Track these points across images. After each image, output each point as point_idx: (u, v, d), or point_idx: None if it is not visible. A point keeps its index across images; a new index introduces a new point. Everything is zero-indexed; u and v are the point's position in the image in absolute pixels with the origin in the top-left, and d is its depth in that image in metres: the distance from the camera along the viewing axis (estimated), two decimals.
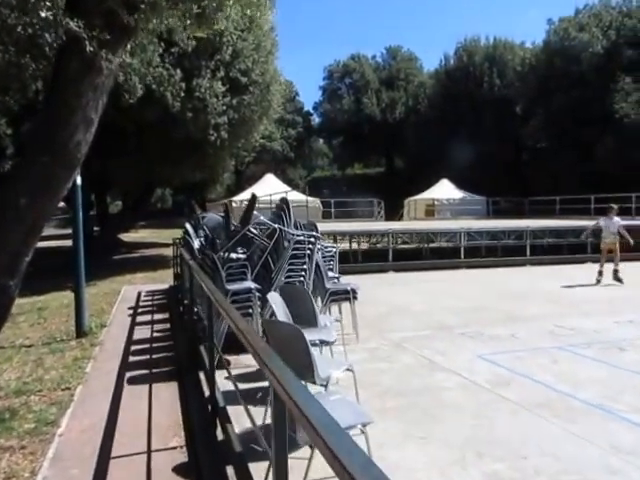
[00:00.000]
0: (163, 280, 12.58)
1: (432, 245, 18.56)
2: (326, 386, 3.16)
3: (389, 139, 47.65)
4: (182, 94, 12.79)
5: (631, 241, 11.03)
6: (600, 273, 11.09)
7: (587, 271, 14.11)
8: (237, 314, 2.69)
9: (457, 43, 41.48)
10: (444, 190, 29.74)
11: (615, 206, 11.36)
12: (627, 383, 4.61)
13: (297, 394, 1.53)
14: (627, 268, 14.44)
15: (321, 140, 60.67)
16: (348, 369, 3.39)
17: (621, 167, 24.24)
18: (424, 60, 56.25)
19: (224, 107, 14.38)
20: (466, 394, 4.35)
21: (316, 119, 58.30)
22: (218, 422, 3.60)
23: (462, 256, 15.31)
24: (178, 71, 12.73)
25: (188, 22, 4.17)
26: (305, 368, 3.10)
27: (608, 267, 11.13)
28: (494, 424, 3.70)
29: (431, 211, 29.08)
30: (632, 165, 23.56)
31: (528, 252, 15.95)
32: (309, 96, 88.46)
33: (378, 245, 19.66)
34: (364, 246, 19.39)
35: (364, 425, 2.53)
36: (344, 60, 54.44)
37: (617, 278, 10.90)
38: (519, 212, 27.37)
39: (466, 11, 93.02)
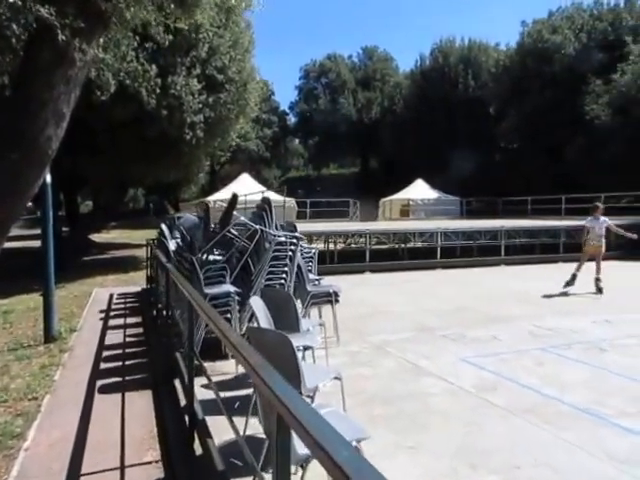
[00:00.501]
0: (135, 282, 12.25)
1: (408, 245, 18.55)
2: (312, 397, 3.00)
3: (365, 139, 47.80)
4: (157, 91, 12.45)
5: (633, 236, 10.08)
6: (574, 277, 10.03)
7: (559, 270, 14.33)
8: (224, 321, 2.51)
9: (432, 44, 41.92)
10: (419, 190, 29.88)
11: (601, 205, 10.35)
12: (611, 385, 4.58)
13: (295, 405, 1.37)
14: (590, 267, 14.75)
15: (297, 140, 60.48)
16: (336, 377, 3.23)
17: (591, 168, 24.73)
18: (400, 61, 56.75)
19: (200, 105, 14.08)
20: (453, 400, 4.24)
21: (292, 119, 58.19)
22: (196, 435, 3.41)
23: (438, 256, 15.33)
24: (153, 67, 12.39)
25: (167, 11, 3.94)
26: (291, 378, 2.94)
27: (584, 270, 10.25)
28: (484, 432, 3.60)
29: (406, 211, 29.18)
30: (602, 166, 24.06)
31: (502, 252, 16.07)
32: (285, 96, 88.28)
33: (353, 245, 19.57)
34: (340, 246, 19.28)
35: (359, 441, 2.38)
36: (320, 60, 54.47)
37: (598, 288, 9.83)
38: (492, 212, 27.69)
39: (441, 13, 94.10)
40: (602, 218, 10.03)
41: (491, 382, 4.67)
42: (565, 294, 9.88)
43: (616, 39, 28.88)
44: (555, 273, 13.70)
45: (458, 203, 29.31)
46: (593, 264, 10.04)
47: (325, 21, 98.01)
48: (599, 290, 9.75)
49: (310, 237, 16.85)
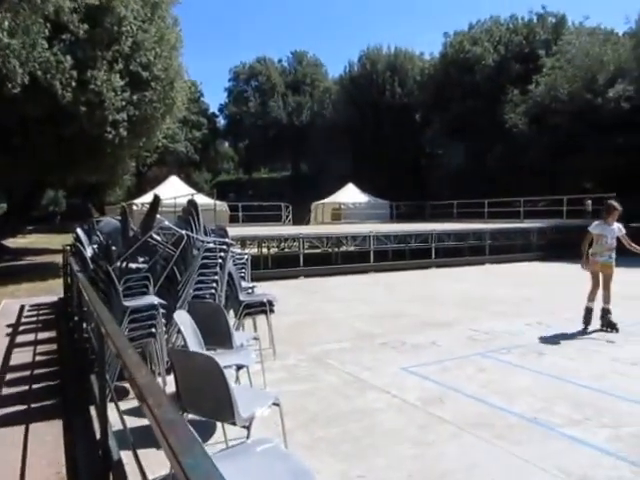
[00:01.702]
0: (53, 291, 11.21)
1: (342, 249, 18.45)
2: (249, 427, 2.61)
3: (295, 143, 47.63)
4: (73, 84, 11.53)
5: None
6: (589, 312, 7.02)
7: (487, 272, 14.76)
8: (123, 341, 2.06)
9: (360, 51, 42.44)
10: (350, 194, 30.05)
11: (617, 205, 7.06)
12: (554, 391, 4.51)
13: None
14: (521, 268, 15.33)
15: (227, 143, 59.37)
16: (274, 403, 2.86)
17: (512, 173, 25.84)
18: (329, 66, 57.13)
19: (123, 103, 13.25)
20: (400, 416, 3.97)
21: (221, 121, 57.02)
22: (112, 476, 2.91)
23: (371, 260, 15.31)
24: (68, 58, 11.46)
25: None
26: (223, 407, 2.54)
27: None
28: (437, 452, 3.34)
29: (337, 215, 29.22)
30: (521, 171, 25.21)
31: (433, 254, 16.32)
32: (214, 98, 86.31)
33: (287, 250, 19.24)
34: (273, 251, 18.88)
35: None
36: (250, 62, 53.76)
37: (609, 323, 6.92)
38: (421, 216, 28.33)
39: (369, 21, 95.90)
40: (616, 225, 7.01)
41: (436, 393, 4.46)
42: (497, 290, 10.01)
43: (531, 52, 30.49)
44: (483, 275, 14.10)
45: (388, 207, 29.75)
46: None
47: (254, 24, 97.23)
48: (610, 325, 6.88)
49: (243, 242, 16.38)
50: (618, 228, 6.98)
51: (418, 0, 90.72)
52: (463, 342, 6.36)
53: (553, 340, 6.33)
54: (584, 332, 6.83)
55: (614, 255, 7.03)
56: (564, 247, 18.27)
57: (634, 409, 4.02)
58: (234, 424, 2.60)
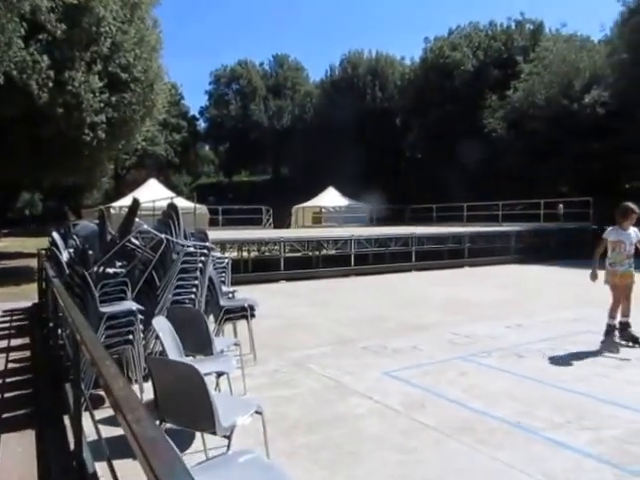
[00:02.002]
0: (27, 296, 10.92)
1: (322, 253, 18.41)
2: (230, 436, 2.55)
3: (276, 146, 47.58)
4: (50, 84, 11.29)
5: None
6: (612, 329, 6.25)
7: (466, 275, 14.88)
8: (100, 350, 1.98)
9: (342, 55, 42.64)
10: (330, 198, 30.07)
11: (634, 207, 6.36)
12: (535, 394, 4.52)
13: None
14: (500, 270, 15.48)
15: (207, 146, 58.97)
16: (257, 412, 2.80)
17: (491, 177, 26.16)
18: (310, 70, 57.18)
19: (101, 104, 13.03)
20: (383, 422, 3.94)
21: (202, 124, 56.61)
22: None
23: (352, 263, 15.29)
24: (45, 58, 11.23)
25: None
26: (203, 416, 2.47)
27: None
28: (421, 459, 3.31)
29: (318, 218, 29.21)
30: (500, 176, 25.53)
31: (413, 258, 16.37)
32: (194, 100, 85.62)
33: (267, 254, 19.14)
34: (254, 254, 18.75)
35: None
36: (231, 65, 53.57)
37: (631, 337, 6.23)
38: (400, 219, 28.47)
39: (351, 25, 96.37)
40: (632, 229, 6.35)
41: (418, 398, 4.44)
42: (476, 292, 10.07)
43: (509, 58, 30.98)
44: (462, 278, 14.20)
45: (368, 210, 29.80)
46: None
47: (235, 27, 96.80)
48: (632, 339, 6.20)
49: (223, 245, 16.23)
50: (635, 233, 6.29)
51: (399, 4, 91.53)
52: (444, 346, 6.37)
53: (532, 342, 6.36)
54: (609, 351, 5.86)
55: (633, 263, 6.31)
56: (542, 250, 18.61)
57: (615, 412, 4.05)
58: (214, 434, 2.54)
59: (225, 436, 2.53)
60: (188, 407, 2.55)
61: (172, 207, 5.22)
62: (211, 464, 2.14)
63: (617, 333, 6.23)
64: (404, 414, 4.08)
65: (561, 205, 20.98)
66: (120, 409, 1.28)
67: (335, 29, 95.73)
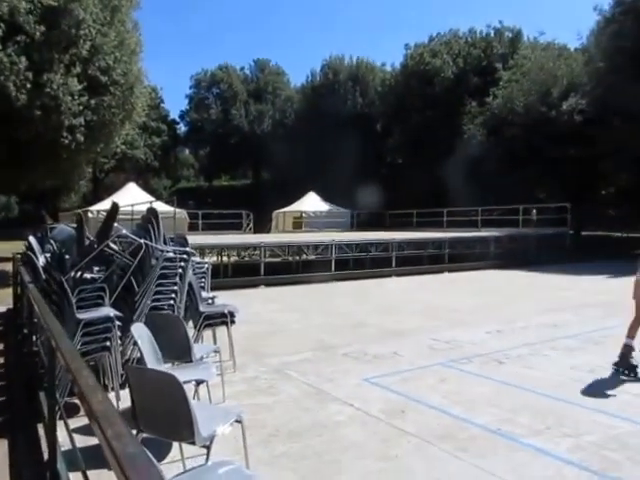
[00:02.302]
0: (1, 301, 10.67)
1: (302, 258, 18.38)
2: (209, 446, 2.50)
3: (257, 151, 47.38)
4: (28, 86, 11.11)
5: None
6: (630, 350, 5.36)
7: (446, 280, 15.01)
8: (78, 360, 1.92)
9: (323, 60, 42.72)
10: (311, 203, 30.05)
11: None
12: (515, 401, 4.55)
13: None
14: (480, 276, 15.64)
15: (187, 150, 58.51)
16: (237, 420, 2.76)
17: (469, 183, 26.45)
18: (291, 75, 57.16)
19: (80, 107, 12.85)
20: (363, 429, 3.91)
21: (182, 128, 56.15)
22: None
23: (332, 269, 15.29)
24: (23, 59, 11.04)
25: None
26: (182, 426, 2.42)
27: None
28: (402, 468, 3.29)
29: (299, 223, 29.16)
30: (478, 181, 25.82)
31: (394, 263, 16.43)
32: (175, 104, 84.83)
33: (246, 259, 19.03)
34: (233, 259, 18.64)
35: None
36: (212, 69, 53.29)
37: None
38: (381, 225, 28.59)
39: (332, 30, 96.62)
40: None
41: (398, 405, 4.43)
42: (456, 298, 10.15)
43: (488, 65, 31.41)
44: (443, 282, 14.31)
45: (349, 215, 29.87)
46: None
47: (216, 31, 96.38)
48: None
49: (203, 250, 16.09)
50: None
51: (379, 10, 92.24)
52: (424, 352, 6.38)
53: (512, 348, 6.42)
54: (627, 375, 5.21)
55: None
56: (520, 255, 18.86)
57: (593, 417, 4.10)
58: (193, 444, 2.49)
59: (204, 446, 2.49)
60: (167, 417, 2.50)
61: (152, 212, 5.15)
62: (190, 475, 2.10)
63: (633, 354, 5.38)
64: (385, 421, 4.07)
65: (534, 211, 21.36)
66: (99, 423, 1.23)
67: (316, 34, 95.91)
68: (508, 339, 6.97)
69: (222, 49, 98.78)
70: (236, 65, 54.81)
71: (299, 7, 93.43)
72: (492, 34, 33.87)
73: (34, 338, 5.51)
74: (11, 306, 9.46)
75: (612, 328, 7.21)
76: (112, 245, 4.75)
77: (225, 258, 17.60)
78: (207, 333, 5.93)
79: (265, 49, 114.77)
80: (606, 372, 5.31)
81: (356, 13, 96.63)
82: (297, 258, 18.12)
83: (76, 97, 12.68)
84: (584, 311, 9.04)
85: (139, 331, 3.39)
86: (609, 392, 4.73)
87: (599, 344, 6.54)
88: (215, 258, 17.36)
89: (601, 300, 10.20)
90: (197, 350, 4.15)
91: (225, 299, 6.53)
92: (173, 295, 5.07)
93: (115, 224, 5.13)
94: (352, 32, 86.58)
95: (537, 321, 8.15)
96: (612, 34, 20.39)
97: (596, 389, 4.83)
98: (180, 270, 5.08)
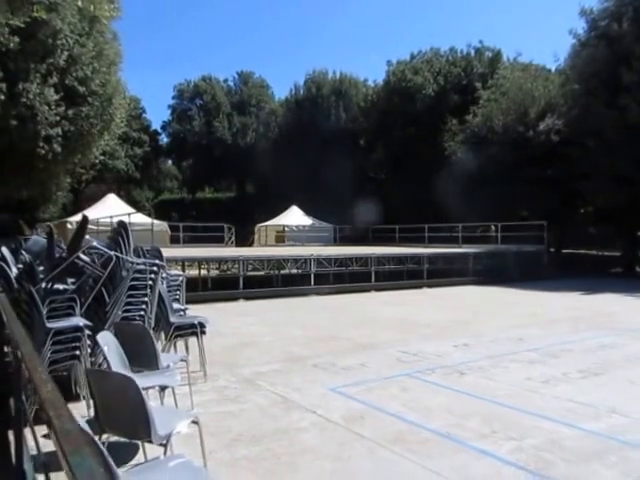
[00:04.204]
0: None
1: (283, 272, 18.53)
2: (166, 445, 2.67)
3: (240, 164, 47.49)
4: (2, 97, 11.17)
5: None
6: None
7: (424, 295, 15.26)
8: (34, 359, 2.07)
9: (306, 74, 43.17)
10: (294, 217, 30.26)
11: None
12: (469, 408, 4.76)
13: None
14: (457, 291, 15.94)
15: (170, 161, 58.35)
16: (193, 421, 2.92)
17: (452, 200, 26.90)
18: (275, 88, 57.44)
19: (57, 117, 12.92)
20: (322, 434, 4.10)
21: (164, 139, 55.98)
22: None
23: (312, 283, 15.45)
24: None
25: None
26: (140, 426, 2.59)
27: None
28: (352, 468, 3.49)
29: (281, 237, 29.32)
30: (461, 198, 26.27)
31: (373, 278, 16.65)
32: (156, 114, 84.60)
33: (228, 272, 19.13)
34: (214, 273, 18.73)
35: None
36: (195, 80, 53.37)
37: None
38: (364, 240, 28.85)
39: (315, 44, 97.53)
40: None
41: (359, 412, 4.62)
42: (432, 313, 10.39)
43: (468, 84, 32.09)
44: (420, 298, 14.56)
45: (332, 230, 30.10)
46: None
47: (199, 42, 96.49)
48: None
49: (183, 263, 16.18)
50: None
51: (362, 26, 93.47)
52: (391, 363, 6.58)
53: (475, 360, 6.65)
54: None
55: None
56: (499, 271, 19.21)
57: (539, 423, 4.32)
58: (151, 442, 2.65)
59: (162, 444, 2.65)
60: (126, 416, 2.66)
61: (121, 225, 5.31)
62: (143, 467, 2.26)
63: None
64: (343, 427, 4.25)
65: (493, 227, 21.93)
66: (46, 408, 1.42)
67: (300, 48, 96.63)
68: (473, 352, 7.20)
69: (205, 60, 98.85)
70: (220, 77, 55.03)
71: (282, 20, 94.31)
72: (472, 53, 34.61)
73: (5, 349, 5.59)
74: None
75: (573, 342, 7.52)
76: (83, 257, 4.89)
77: (205, 271, 17.69)
78: (180, 345, 6.09)
79: (248, 61, 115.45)
80: (559, 382, 5.57)
81: (339, 28, 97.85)
82: (277, 272, 18.26)
83: (53, 107, 12.75)
84: (551, 326, 9.35)
85: (106, 339, 3.54)
86: (557, 401, 4.96)
87: (558, 357, 6.81)
88: (196, 271, 17.46)
89: (570, 316, 10.54)
90: (164, 359, 4.30)
91: (203, 312, 6.64)
92: (143, 306, 5.21)
93: (86, 236, 5.27)
94: (335, 47, 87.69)
95: (504, 335, 8.41)
96: (587, 58, 21.05)
97: (545, 398, 5.06)
98: (150, 282, 5.23)
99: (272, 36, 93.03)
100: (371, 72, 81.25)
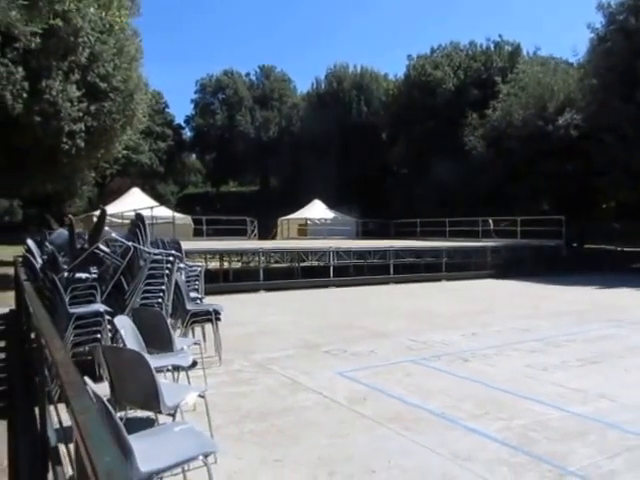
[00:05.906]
0: (4, 302, 11.17)
1: (304, 264, 18.84)
2: (174, 415, 2.96)
3: (263, 158, 47.90)
4: (25, 95, 11.59)
5: None
6: None
7: (441, 288, 15.37)
8: (57, 342, 2.37)
9: (327, 69, 43.24)
10: (316, 210, 30.43)
11: None
12: (467, 392, 4.98)
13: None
14: (474, 284, 15.99)
15: (194, 155, 59.08)
16: (200, 395, 3.21)
17: (470, 194, 26.81)
18: (297, 81, 57.57)
19: (80, 113, 13.31)
20: (326, 413, 4.37)
21: (188, 133, 56.67)
22: (50, 465, 3.20)
23: (331, 275, 15.68)
24: (20, 69, 11.51)
25: (13, 13, 3.72)
26: (150, 397, 2.88)
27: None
28: (348, 441, 3.76)
29: (304, 230, 29.53)
30: (480, 192, 26.18)
31: (392, 270, 16.80)
32: (180, 108, 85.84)
33: (251, 264, 19.52)
34: (236, 265, 19.14)
35: (206, 455, 2.39)
36: (217, 75, 53.81)
37: None
38: (385, 233, 28.94)
39: (336, 38, 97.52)
40: None
41: (362, 394, 4.87)
42: (444, 304, 10.58)
43: (488, 78, 31.78)
44: (437, 290, 14.69)
45: (354, 224, 30.20)
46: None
47: (222, 36, 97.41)
48: None
49: (205, 255, 16.59)
50: None
51: (383, 21, 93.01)
52: (400, 350, 6.80)
53: (480, 349, 6.83)
54: None
55: None
56: (517, 265, 19.16)
57: (530, 406, 4.52)
58: (160, 412, 2.95)
59: (170, 414, 2.94)
60: (138, 388, 2.96)
61: (139, 217, 5.64)
62: (150, 432, 2.55)
63: None
64: (346, 407, 4.52)
65: (491, 221, 21.83)
66: (57, 367, 1.71)
67: (321, 42, 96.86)
68: (479, 341, 7.37)
69: (227, 54, 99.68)
70: (242, 71, 55.34)
71: (304, 15, 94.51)
72: (492, 47, 34.27)
73: (32, 335, 5.99)
74: (13, 307, 9.98)
75: (578, 333, 7.63)
76: (102, 247, 5.23)
77: (226, 263, 18.10)
78: (198, 332, 6.42)
79: (270, 55, 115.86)
80: (556, 370, 5.73)
81: (360, 23, 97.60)
82: (297, 264, 18.57)
83: (75, 103, 13.09)
84: (559, 318, 9.45)
85: (122, 322, 3.86)
86: (552, 387, 5.13)
87: (560, 347, 6.94)
88: (217, 263, 17.89)
89: (578, 309, 10.59)
90: (179, 342, 4.61)
91: (223, 303, 6.89)
92: (160, 294, 5.54)
93: (106, 228, 5.62)
94: (356, 41, 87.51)
95: (511, 326, 8.55)
96: (604, 52, 20.72)
97: (541, 384, 5.23)
98: (167, 271, 5.56)
99: (294, 30, 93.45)
100: (391, 66, 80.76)
